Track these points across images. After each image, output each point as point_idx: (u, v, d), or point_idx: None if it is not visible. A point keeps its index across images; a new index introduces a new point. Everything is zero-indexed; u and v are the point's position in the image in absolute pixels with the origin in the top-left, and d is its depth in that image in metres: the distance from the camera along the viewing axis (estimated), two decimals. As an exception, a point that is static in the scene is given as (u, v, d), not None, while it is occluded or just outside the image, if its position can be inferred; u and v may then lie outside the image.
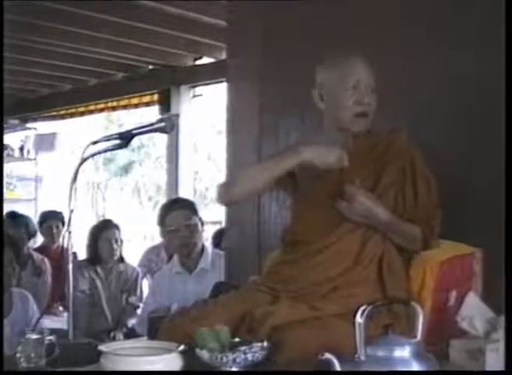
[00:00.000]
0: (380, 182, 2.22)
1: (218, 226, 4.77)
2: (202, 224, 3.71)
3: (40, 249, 5.34)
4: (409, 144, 2.28)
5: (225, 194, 2.32)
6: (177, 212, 3.67)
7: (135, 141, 2.51)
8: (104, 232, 4.53)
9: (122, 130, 2.55)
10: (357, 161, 2.23)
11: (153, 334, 2.39)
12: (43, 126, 7.95)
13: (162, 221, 3.77)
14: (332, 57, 2.31)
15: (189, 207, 3.76)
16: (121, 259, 4.61)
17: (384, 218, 2.15)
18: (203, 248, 3.68)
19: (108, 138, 2.40)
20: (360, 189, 2.15)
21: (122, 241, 4.61)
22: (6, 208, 5.15)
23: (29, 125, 7.88)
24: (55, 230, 5.37)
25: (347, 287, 2.13)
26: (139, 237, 10.06)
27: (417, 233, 2.19)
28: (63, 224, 5.33)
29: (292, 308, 2.08)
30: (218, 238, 4.59)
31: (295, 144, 2.39)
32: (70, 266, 2.36)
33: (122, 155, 12.21)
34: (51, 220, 5.37)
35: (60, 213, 5.36)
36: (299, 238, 2.27)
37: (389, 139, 2.29)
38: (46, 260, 4.93)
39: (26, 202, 7.81)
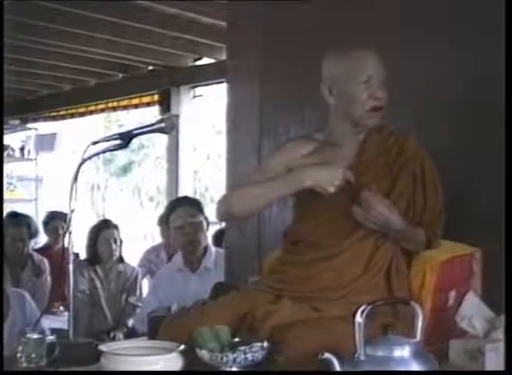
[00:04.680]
0: (395, 188, 2.18)
1: (218, 226, 4.76)
2: (208, 224, 3.72)
3: (43, 249, 5.34)
4: (418, 147, 2.25)
5: (225, 214, 2.30)
6: (183, 209, 3.68)
7: (135, 142, 2.51)
8: (103, 232, 4.53)
9: (123, 130, 2.56)
10: (374, 163, 2.20)
11: (153, 334, 2.39)
12: (43, 127, 7.96)
13: (167, 218, 3.77)
14: (341, 51, 2.26)
15: (195, 205, 3.77)
16: (120, 259, 4.61)
17: (399, 226, 2.11)
18: (207, 247, 3.69)
19: (108, 139, 2.41)
20: (377, 196, 2.09)
21: (121, 241, 4.61)
22: (7, 209, 5.16)
23: (29, 125, 7.88)
24: (60, 231, 5.34)
25: (356, 294, 2.10)
26: (139, 237, 10.05)
27: (423, 237, 2.17)
28: (69, 225, 5.32)
29: (294, 309, 2.08)
30: (219, 238, 4.59)
31: (297, 140, 2.39)
32: (71, 266, 2.36)
33: (123, 156, 12.21)
34: (57, 221, 5.34)
35: (66, 214, 5.33)
36: (302, 238, 2.25)
37: (400, 142, 2.24)
38: (45, 260, 4.94)
39: (26, 202, 7.81)
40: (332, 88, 2.23)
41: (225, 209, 2.27)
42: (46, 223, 5.40)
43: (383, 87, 2.19)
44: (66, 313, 3.24)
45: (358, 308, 1.64)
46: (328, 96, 2.25)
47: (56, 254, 5.18)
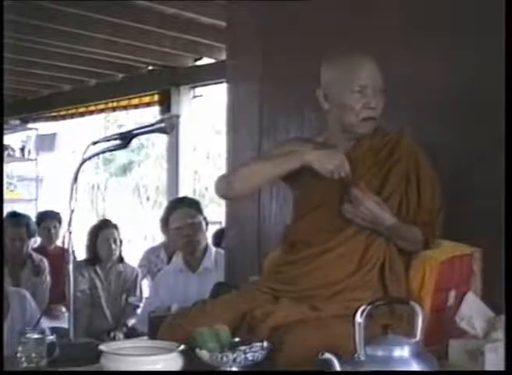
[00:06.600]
0: (386, 185, 2.19)
1: (218, 226, 4.77)
2: (207, 224, 3.73)
3: (38, 250, 5.31)
4: (413, 145, 2.24)
5: (225, 190, 2.30)
6: (182, 210, 3.69)
7: (135, 142, 2.52)
8: (102, 232, 4.52)
9: (123, 130, 2.56)
10: (363, 162, 2.21)
11: (153, 334, 2.40)
12: (43, 127, 7.96)
13: (166, 219, 3.78)
14: (338, 57, 2.27)
15: (194, 206, 3.78)
16: (120, 259, 4.61)
17: (389, 223, 2.11)
18: (206, 248, 3.69)
19: (108, 139, 2.41)
20: (366, 193, 2.11)
21: (121, 241, 4.61)
22: (7, 209, 5.15)
23: (29, 125, 7.89)
24: (53, 231, 5.34)
25: (350, 291, 2.11)
26: (139, 237, 10.06)
27: (419, 236, 2.17)
28: (61, 224, 5.33)
29: (293, 308, 2.08)
30: (219, 238, 4.59)
31: (297, 141, 2.39)
32: (71, 266, 2.36)
33: (122, 156, 12.22)
34: (49, 221, 5.34)
35: (58, 213, 5.33)
36: (300, 238, 2.25)
37: (394, 141, 2.25)
38: (45, 260, 4.93)
39: (26, 202, 7.82)
40: (327, 94, 2.24)
41: (225, 185, 2.27)
42: (38, 224, 5.38)
43: (378, 96, 2.19)
44: (66, 313, 3.25)
45: (358, 307, 1.64)
46: (323, 102, 2.26)
47: (51, 253, 5.17)
